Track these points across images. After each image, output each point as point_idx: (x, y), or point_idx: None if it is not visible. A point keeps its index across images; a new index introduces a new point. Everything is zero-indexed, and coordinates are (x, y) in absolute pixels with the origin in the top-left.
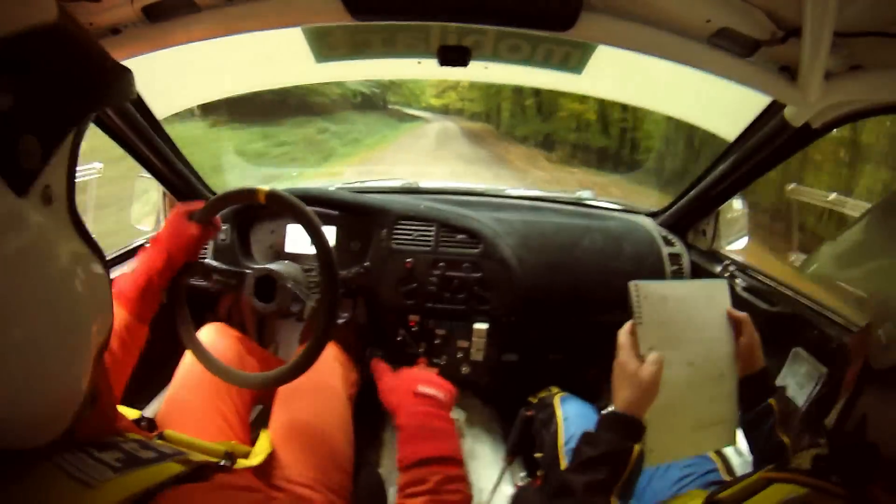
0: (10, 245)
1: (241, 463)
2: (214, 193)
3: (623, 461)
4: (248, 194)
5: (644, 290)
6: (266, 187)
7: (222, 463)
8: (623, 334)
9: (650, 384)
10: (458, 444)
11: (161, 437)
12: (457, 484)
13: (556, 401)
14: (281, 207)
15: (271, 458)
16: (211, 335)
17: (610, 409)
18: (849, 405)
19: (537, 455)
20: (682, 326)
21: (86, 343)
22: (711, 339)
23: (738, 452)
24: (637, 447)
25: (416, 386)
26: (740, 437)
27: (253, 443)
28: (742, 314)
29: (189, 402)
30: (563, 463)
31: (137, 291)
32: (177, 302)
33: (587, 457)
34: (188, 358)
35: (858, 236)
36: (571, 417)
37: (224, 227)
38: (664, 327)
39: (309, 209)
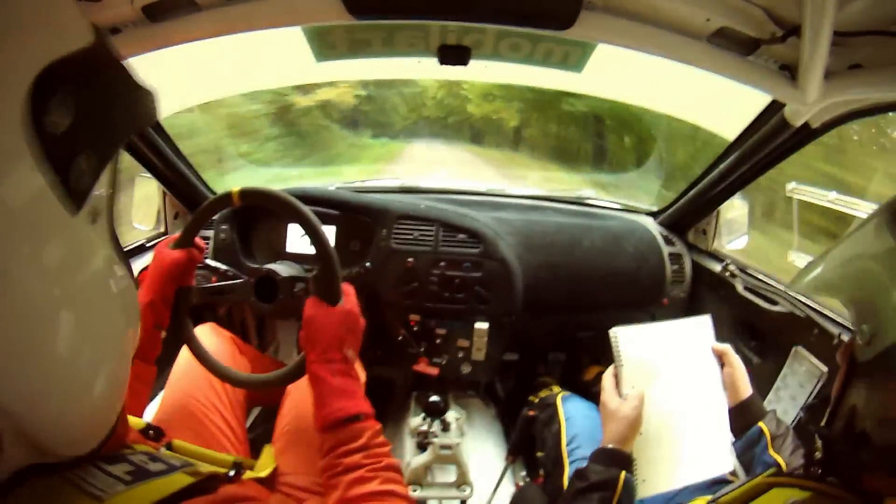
0: (60, 257)
1: (249, 475)
2: (214, 192)
3: (611, 487)
4: (222, 201)
5: (624, 336)
6: (237, 188)
7: (231, 474)
8: (606, 377)
9: (632, 418)
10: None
11: (169, 447)
12: (382, 437)
13: (559, 400)
14: (258, 201)
15: (276, 469)
16: (204, 335)
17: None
18: (838, 402)
19: (539, 454)
20: (664, 364)
21: (126, 350)
22: (696, 373)
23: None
24: (622, 474)
25: (344, 348)
26: (736, 462)
27: (251, 445)
28: (723, 346)
29: (187, 404)
30: (567, 462)
31: None
32: (183, 332)
33: (578, 489)
34: (183, 358)
35: (839, 252)
36: (574, 417)
37: (224, 228)
38: (645, 367)
39: (290, 197)
